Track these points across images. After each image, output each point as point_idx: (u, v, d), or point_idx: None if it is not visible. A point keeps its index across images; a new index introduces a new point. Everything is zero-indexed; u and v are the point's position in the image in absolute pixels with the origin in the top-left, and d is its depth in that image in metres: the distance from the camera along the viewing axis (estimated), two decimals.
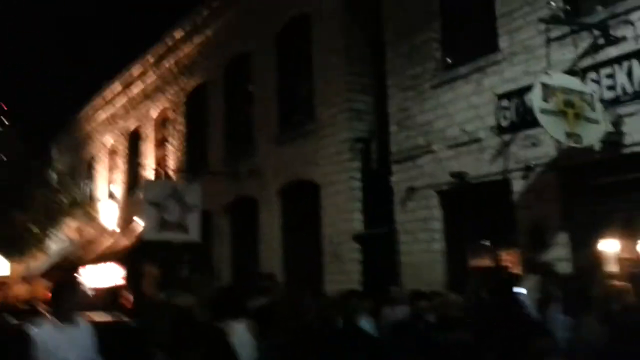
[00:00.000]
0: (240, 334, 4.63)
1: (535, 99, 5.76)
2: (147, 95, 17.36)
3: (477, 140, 7.86)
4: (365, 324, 6.95)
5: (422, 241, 8.54)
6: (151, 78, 16.88)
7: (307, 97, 11.03)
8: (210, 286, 6.54)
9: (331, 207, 10.15)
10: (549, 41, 6.82)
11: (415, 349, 5.57)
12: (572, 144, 5.92)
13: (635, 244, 6.30)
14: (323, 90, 10.59)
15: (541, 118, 5.73)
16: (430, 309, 6.13)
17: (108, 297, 15.81)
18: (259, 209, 11.98)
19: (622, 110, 6.25)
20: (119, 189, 18.88)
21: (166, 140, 16.25)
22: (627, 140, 6.19)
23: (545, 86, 5.83)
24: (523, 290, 6.92)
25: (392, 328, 6.84)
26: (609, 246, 6.63)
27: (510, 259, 7.76)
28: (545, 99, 5.80)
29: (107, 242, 17.92)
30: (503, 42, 7.62)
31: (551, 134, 5.84)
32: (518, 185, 7.31)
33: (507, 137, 7.50)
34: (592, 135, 6.12)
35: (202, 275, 8.32)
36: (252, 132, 12.44)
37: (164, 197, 11.36)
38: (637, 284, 4.90)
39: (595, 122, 6.18)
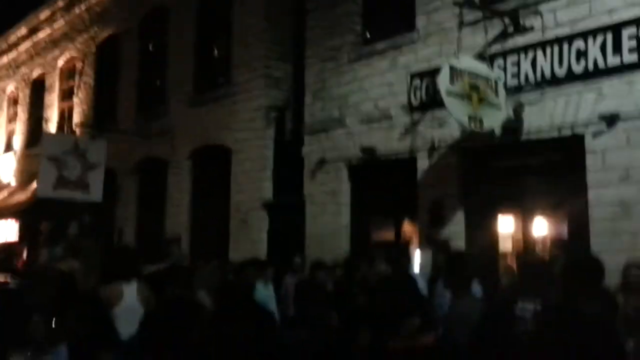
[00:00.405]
0: (128, 297, 4.49)
1: (442, 80, 5.89)
2: (54, 42, 16.24)
3: (389, 117, 7.98)
4: (263, 290, 6.99)
5: (329, 213, 8.63)
6: (59, 24, 15.78)
7: (225, 59, 10.74)
8: (99, 251, 6.26)
9: (242, 174, 10.02)
10: (462, 25, 6.97)
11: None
12: (473, 128, 6.12)
13: (526, 225, 6.66)
14: (241, 54, 10.33)
15: (446, 100, 5.88)
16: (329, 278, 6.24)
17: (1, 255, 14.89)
18: (168, 171, 11.62)
19: (524, 98, 6.53)
20: (18, 141, 17.67)
21: (72, 92, 15.32)
22: (526, 127, 6.49)
23: (453, 69, 5.97)
24: (417, 264, 7.24)
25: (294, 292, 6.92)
26: (503, 226, 7.00)
27: (410, 234, 8.03)
28: (452, 82, 5.94)
29: (1, 197, 16.80)
30: (420, 22, 7.72)
31: (454, 116, 6.01)
32: (423, 163, 7.51)
33: (416, 116, 7.66)
34: (493, 120, 6.37)
35: (93, 238, 7.96)
36: (165, 90, 11.97)
37: (63, 152, 10.77)
38: (524, 273, 5.18)
39: (498, 107, 6.43)
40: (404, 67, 7.87)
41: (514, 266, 6.72)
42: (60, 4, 15.53)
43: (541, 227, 6.61)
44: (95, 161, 11.23)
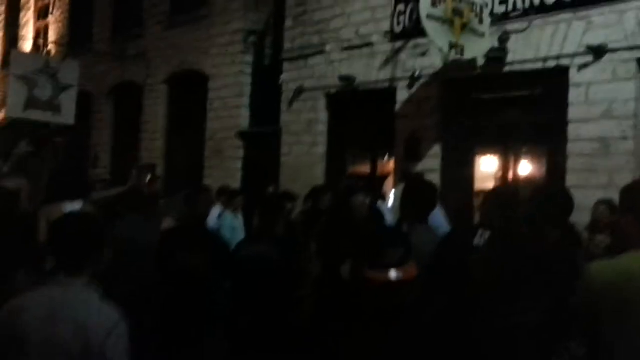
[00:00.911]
0: None
1: (423, 2, 5.51)
2: None
3: (370, 45, 7.60)
4: (232, 220, 6.83)
5: (305, 143, 8.38)
6: None
7: None
8: (48, 169, 6.00)
9: (218, 100, 9.67)
10: None
11: None
12: (454, 55, 5.81)
13: (506, 161, 6.47)
14: None
15: (426, 24, 5.53)
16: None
17: None
18: (143, 96, 11.22)
19: (510, 26, 6.19)
20: None
21: (48, 11, 14.59)
22: (510, 57, 6.18)
23: None
24: (392, 199, 7.07)
25: None
26: (482, 162, 6.81)
27: (388, 168, 7.84)
28: (434, 4, 5.57)
29: None
30: None
31: (434, 42, 5.68)
32: (402, 94, 7.21)
33: (398, 44, 7.29)
34: (477, 48, 6.05)
35: (42, 157, 7.68)
36: (141, 11, 11.37)
37: (34, 71, 10.29)
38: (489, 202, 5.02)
39: (482, 35, 6.09)
40: None
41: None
42: None
43: (521, 163, 6.41)
44: (68, 82, 10.77)
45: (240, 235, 6.90)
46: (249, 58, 9.42)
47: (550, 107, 6.02)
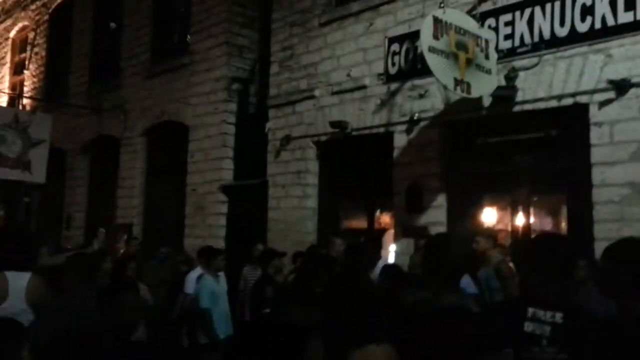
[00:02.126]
0: (13, 292, 3.47)
1: (424, 34, 4.93)
2: (7, 12, 14.93)
3: (362, 88, 7.01)
4: (211, 283, 6.02)
5: (294, 196, 7.65)
6: None
7: (183, 26, 9.63)
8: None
9: (200, 152, 8.97)
10: None
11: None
12: (460, 93, 5.19)
13: (519, 211, 5.77)
14: (201, 19, 9.25)
15: (429, 57, 4.92)
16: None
17: None
18: (121, 150, 10.51)
19: (518, 62, 5.62)
20: None
21: (23, 65, 14.06)
22: (520, 96, 5.58)
23: (437, 20, 5.01)
24: (392, 255, 6.31)
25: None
26: (491, 213, 6.11)
27: (385, 220, 7.11)
28: (435, 36, 4.99)
29: None
30: None
31: (438, 78, 5.07)
32: (400, 139, 6.57)
33: (394, 85, 6.71)
34: (483, 86, 5.45)
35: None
36: (119, 61, 10.82)
37: (1, 126, 9.58)
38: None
39: (488, 72, 5.51)
40: (381, 30, 6.90)
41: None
42: None
43: (537, 213, 5.71)
44: (39, 137, 10.06)
45: (222, 299, 6.08)
46: (233, 106, 8.80)
47: (568, 149, 5.38)
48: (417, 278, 3.92)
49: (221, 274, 6.44)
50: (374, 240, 6.02)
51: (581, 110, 5.21)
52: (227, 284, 6.57)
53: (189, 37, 9.44)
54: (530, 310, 2.08)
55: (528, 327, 2.06)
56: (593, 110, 5.13)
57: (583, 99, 5.21)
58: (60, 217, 11.58)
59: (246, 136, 8.71)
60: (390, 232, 6.79)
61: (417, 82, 6.41)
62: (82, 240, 9.80)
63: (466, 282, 3.85)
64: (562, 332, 1.98)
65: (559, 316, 2.02)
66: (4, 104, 14.31)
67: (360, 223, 7.35)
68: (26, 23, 14.18)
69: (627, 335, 1.88)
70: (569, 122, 5.33)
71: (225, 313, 6.10)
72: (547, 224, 5.73)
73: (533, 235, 5.67)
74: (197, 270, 6.48)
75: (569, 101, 5.30)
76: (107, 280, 5.08)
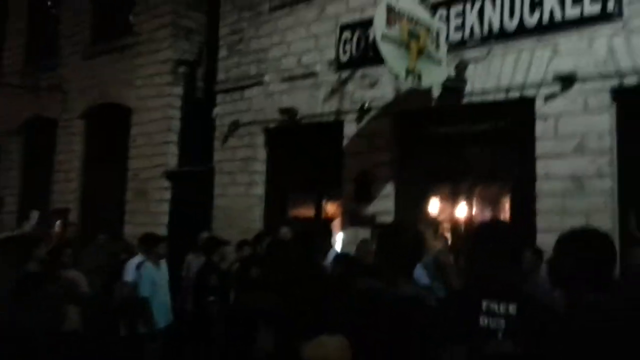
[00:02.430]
0: None
1: (378, 21, 4.87)
2: None
3: (313, 75, 6.91)
4: (152, 271, 5.80)
5: (241, 184, 7.49)
6: None
7: (127, 5, 9.23)
8: None
9: (143, 136, 8.64)
10: None
11: None
12: (410, 83, 5.18)
13: (465, 201, 5.83)
14: None
15: (382, 45, 4.87)
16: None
17: None
18: (57, 132, 10.00)
19: (468, 54, 5.66)
20: None
21: None
22: (469, 88, 5.62)
23: (390, 9, 4.96)
24: (339, 244, 6.27)
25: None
26: (439, 203, 6.14)
27: (334, 210, 7.05)
28: (389, 24, 4.94)
29: None
30: None
31: (390, 66, 5.03)
32: (351, 128, 6.52)
33: (345, 73, 6.64)
34: (434, 77, 5.45)
35: None
36: (57, 40, 10.27)
37: None
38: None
39: (438, 62, 5.52)
40: (332, 17, 6.81)
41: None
42: None
43: (482, 204, 5.79)
44: None
45: (162, 288, 5.88)
46: (179, 90, 8.52)
47: (514, 141, 5.47)
48: (368, 266, 3.88)
49: (163, 261, 6.23)
50: (324, 228, 5.94)
51: (528, 103, 5.29)
52: (169, 271, 6.36)
53: (131, 17, 9.04)
54: (485, 303, 2.04)
55: (483, 320, 2.02)
56: (539, 103, 5.23)
57: (530, 92, 5.29)
58: None
59: (192, 121, 8.45)
60: (337, 221, 6.75)
61: (369, 70, 6.37)
62: (15, 225, 9.28)
63: (419, 273, 3.83)
64: (517, 325, 1.95)
65: (512, 307, 1.99)
66: None
67: (308, 212, 7.26)
68: None
69: (580, 326, 1.87)
70: (516, 114, 5.41)
71: (166, 302, 5.90)
72: (490, 215, 5.81)
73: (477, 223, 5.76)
74: (137, 258, 6.22)
75: (516, 94, 5.38)
76: (38, 267, 4.81)
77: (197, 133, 8.27)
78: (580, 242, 2.05)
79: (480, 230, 2.27)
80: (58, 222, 8.91)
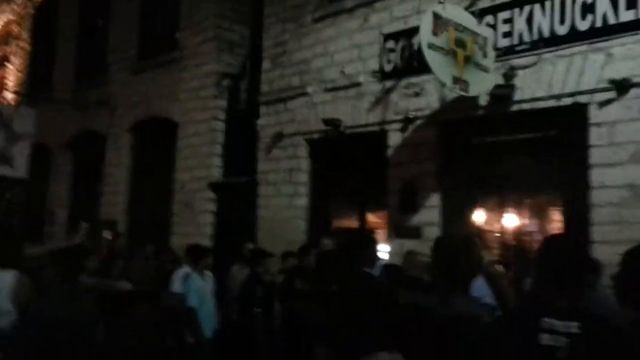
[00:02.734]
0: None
1: (424, 30, 4.81)
2: None
3: (357, 85, 6.88)
4: (199, 282, 5.84)
5: (285, 195, 7.50)
6: None
7: (172, 21, 9.43)
8: None
9: (188, 149, 8.78)
10: None
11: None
12: (458, 91, 5.08)
13: (516, 213, 5.67)
14: (191, 14, 9.07)
15: (428, 54, 4.80)
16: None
17: None
18: (106, 146, 10.27)
19: (517, 61, 5.53)
20: None
21: (7, 59, 13.75)
22: (518, 95, 5.48)
23: (437, 16, 4.89)
24: (385, 255, 6.18)
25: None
26: (487, 215, 5.99)
27: (378, 221, 6.97)
28: (435, 33, 4.87)
29: None
30: None
31: (436, 75, 4.94)
32: (395, 138, 6.44)
33: (389, 83, 6.59)
34: (481, 84, 5.34)
35: None
36: (106, 56, 10.59)
37: None
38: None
39: (486, 70, 5.40)
40: (375, 27, 6.78)
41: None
42: None
43: (533, 215, 5.61)
44: (22, 132, 9.79)
45: (209, 299, 5.91)
46: (222, 103, 8.63)
47: (566, 150, 5.29)
48: (415, 278, 3.80)
49: (208, 272, 6.27)
50: (368, 237, 5.88)
51: (580, 110, 5.12)
52: (215, 282, 6.40)
53: (177, 32, 9.23)
54: (546, 321, 1.94)
55: (544, 339, 1.92)
56: (593, 110, 5.05)
57: (582, 98, 5.12)
58: (43, 214, 11.30)
59: (236, 133, 8.54)
60: (382, 233, 6.67)
61: (413, 79, 6.30)
62: (65, 237, 9.56)
63: (484, 291, 3.68)
64: (580, 344, 1.85)
65: (574, 326, 1.88)
66: None
67: (352, 223, 7.21)
68: (10, 16, 13.85)
69: None
70: (568, 122, 5.24)
71: (211, 312, 5.93)
72: (541, 226, 5.62)
73: (532, 238, 5.59)
74: (184, 269, 6.30)
75: (568, 101, 5.21)
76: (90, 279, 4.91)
77: (241, 145, 8.35)
78: None
79: (546, 246, 2.17)
80: (107, 234, 9.11)
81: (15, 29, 13.65)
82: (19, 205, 10.84)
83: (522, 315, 2.18)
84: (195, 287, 5.75)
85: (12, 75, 13.44)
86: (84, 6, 11.56)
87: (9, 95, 12.77)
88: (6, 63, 13.79)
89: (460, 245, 2.40)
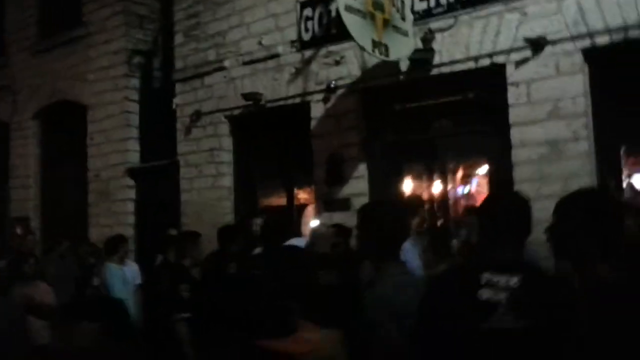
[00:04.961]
0: None
1: None
2: None
3: (275, 56, 6.62)
4: (113, 269, 5.48)
5: (208, 176, 7.18)
6: None
7: None
8: None
9: (100, 134, 8.23)
10: None
11: None
12: (378, 55, 4.96)
13: (443, 176, 5.66)
14: None
15: (346, 17, 4.62)
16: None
17: None
18: (11, 135, 9.49)
19: (434, 24, 5.45)
20: None
21: None
22: (437, 59, 5.43)
23: None
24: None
25: None
26: (414, 180, 5.95)
27: (307, 196, 6.82)
28: None
29: None
30: None
31: (355, 39, 4.79)
32: (318, 109, 6.27)
33: (308, 53, 6.38)
34: (401, 48, 5.25)
35: None
36: (3, 36, 9.72)
37: None
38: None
39: (405, 34, 5.30)
40: None
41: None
42: None
43: (460, 177, 5.62)
44: None
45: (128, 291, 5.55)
46: (135, 82, 8.12)
47: (487, 111, 5.30)
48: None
49: (131, 263, 5.92)
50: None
51: (498, 70, 5.13)
52: (140, 274, 6.05)
53: (82, 7, 8.58)
54: (485, 276, 1.84)
55: (483, 294, 1.82)
56: (510, 70, 5.07)
57: (500, 59, 5.13)
58: None
59: (152, 114, 8.08)
60: (311, 207, 6.52)
61: (333, 48, 6.13)
62: None
63: (410, 253, 3.57)
64: (520, 297, 1.75)
65: (515, 280, 1.78)
66: None
67: (280, 200, 7.01)
68: None
69: (597, 301, 1.67)
70: (487, 83, 5.24)
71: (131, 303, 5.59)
72: (474, 187, 5.65)
73: (459, 201, 5.60)
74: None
75: (486, 62, 5.21)
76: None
77: (158, 126, 7.91)
78: (586, 205, 1.85)
79: (489, 201, 2.06)
80: (18, 230, 8.47)
81: None
82: None
83: (463, 271, 2.07)
84: (116, 276, 5.39)
85: None
86: None
87: None
88: None
89: (390, 211, 2.26)
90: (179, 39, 7.56)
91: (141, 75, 8.15)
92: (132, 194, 7.98)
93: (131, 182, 7.99)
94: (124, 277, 5.51)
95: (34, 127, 9.20)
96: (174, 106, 7.47)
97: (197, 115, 7.26)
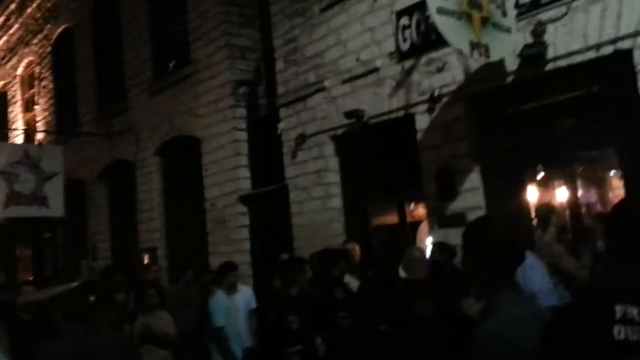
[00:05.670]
0: None
1: None
2: (11, 49, 14.82)
3: (375, 71, 6.42)
4: (225, 300, 5.52)
5: (317, 198, 7.10)
6: (14, 28, 14.34)
7: (182, 36, 9.20)
8: None
9: (214, 164, 8.50)
10: None
11: None
12: (478, 57, 4.56)
13: (570, 182, 5.08)
14: (199, 26, 8.80)
15: (438, 20, 4.32)
16: None
17: None
18: (136, 173, 10.14)
19: (544, 15, 4.95)
20: None
21: (34, 101, 13.91)
22: (551, 52, 4.91)
23: None
24: (429, 248, 5.69)
25: None
26: (536, 189, 5.41)
27: (419, 211, 6.49)
28: None
29: None
30: None
31: (450, 42, 4.46)
32: (423, 121, 5.95)
33: (408, 63, 6.10)
34: (504, 47, 4.82)
35: None
36: (124, 82, 10.46)
37: (11, 164, 9.31)
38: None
39: (507, 30, 4.87)
40: (386, 5, 6.31)
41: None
42: (13, 6, 14.13)
43: (588, 182, 5.02)
44: (52, 171, 9.78)
45: (235, 317, 5.60)
46: (242, 111, 8.31)
47: (615, 104, 4.69)
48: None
49: (244, 288, 5.99)
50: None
51: (624, 57, 4.52)
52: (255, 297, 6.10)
53: (188, 46, 8.99)
54: (619, 308, 1.47)
55: (619, 332, 1.45)
56: (638, 55, 4.44)
57: (625, 44, 4.52)
58: (86, 249, 11.29)
59: (260, 140, 8.20)
60: (424, 224, 6.18)
61: (434, 55, 5.80)
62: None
63: (537, 273, 3.14)
64: None
65: None
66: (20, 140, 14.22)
67: (392, 218, 6.74)
68: (31, 58, 14.02)
69: None
70: (612, 73, 4.64)
71: (239, 331, 5.63)
72: (607, 193, 5.01)
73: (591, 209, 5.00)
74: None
75: (608, 50, 4.61)
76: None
77: (267, 152, 8.00)
78: None
79: (618, 211, 1.67)
80: (146, 261, 8.97)
81: (36, 69, 13.79)
82: (60, 245, 10.84)
83: (589, 302, 1.68)
84: (220, 305, 5.45)
85: (40, 115, 13.56)
86: (98, 37, 11.49)
87: (39, 136, 12.88)
88: (34, 105, 13.94)
89: (500, 227, 1.92)
90: (279, 65, 7.62)
91: (247, 105, 8.32)
92: (246, 220, 8.12)
93: (244, 209, 8.14)
94: (231, 304, 5.55)
95: (155, 163, 9.74)
96: (279, 131, 7.52)
97: (302, 138, 7.23)
